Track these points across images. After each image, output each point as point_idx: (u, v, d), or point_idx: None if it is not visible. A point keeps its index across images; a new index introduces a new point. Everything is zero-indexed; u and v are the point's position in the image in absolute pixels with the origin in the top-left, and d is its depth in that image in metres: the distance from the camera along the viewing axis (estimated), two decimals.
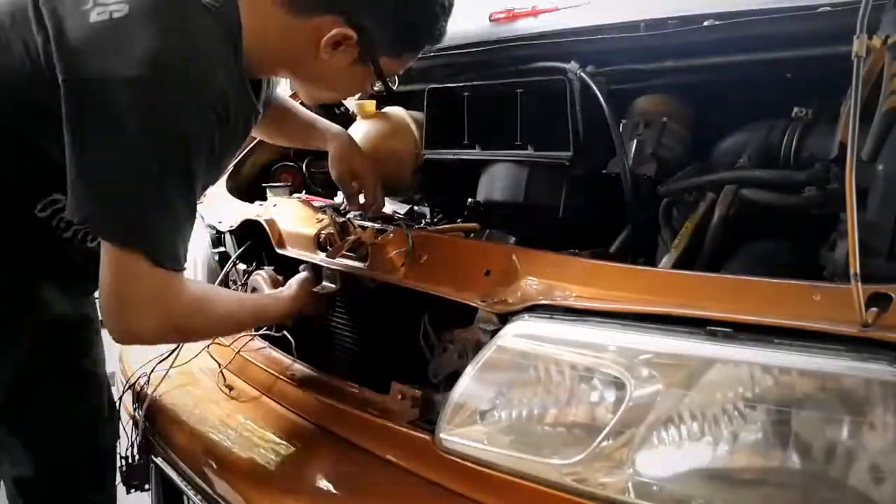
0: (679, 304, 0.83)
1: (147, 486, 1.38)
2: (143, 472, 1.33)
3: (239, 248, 1.58)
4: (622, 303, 0.88)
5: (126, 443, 1.38)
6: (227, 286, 1.62)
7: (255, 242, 1.52)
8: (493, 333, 0.96)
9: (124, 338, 1.03)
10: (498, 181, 1.36)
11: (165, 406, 1.34)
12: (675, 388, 0.80)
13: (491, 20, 1.54)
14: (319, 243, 1.31)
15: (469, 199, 1.44)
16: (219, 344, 1.43)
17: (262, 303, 1.34)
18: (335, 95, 1.37)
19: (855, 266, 0.68)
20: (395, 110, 1.53)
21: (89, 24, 0.95)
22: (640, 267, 0.99)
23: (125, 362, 1.67)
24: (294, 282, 1.35)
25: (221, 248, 1.63)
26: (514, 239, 1.29)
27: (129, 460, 1.34)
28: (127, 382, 1.46)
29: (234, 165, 1.87)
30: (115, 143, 0.93)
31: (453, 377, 0.99)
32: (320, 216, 1.36)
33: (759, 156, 1.06)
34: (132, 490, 1.37)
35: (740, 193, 1.05)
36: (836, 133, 0.88)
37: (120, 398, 1.44)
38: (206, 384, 1.37)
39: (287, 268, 1.44)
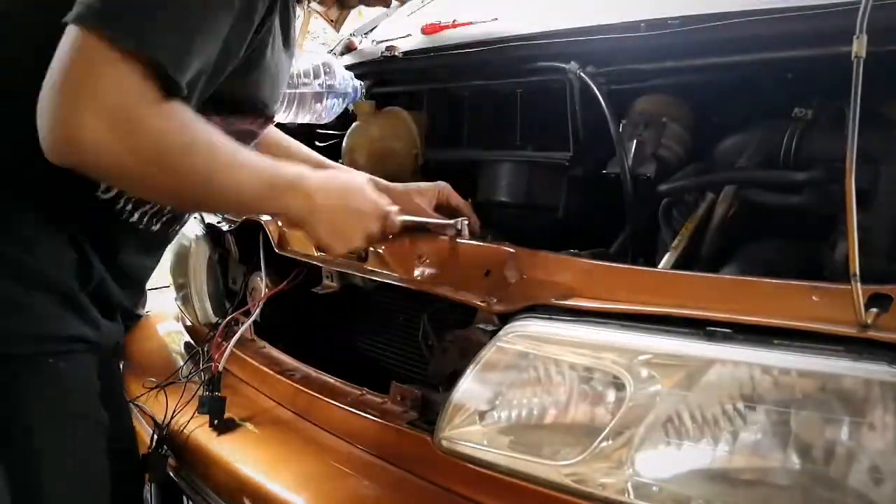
0: (679, 304, 0.83)
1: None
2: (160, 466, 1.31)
3: (238, 248, 1.58)
4: (622, 303, 0.88)
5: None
6: (227, 289, 1.62)
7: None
8: (493, 334, 0.96)
9: (60, 141, 0.74)
10: (498, 181, 1.36)
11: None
12: (674, 388, 0.80)
13: (422, 32, 1.56)
14: None
15: (469, 200, 1.44)
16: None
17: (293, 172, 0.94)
18: None
19: (854, 266, 0.68)
20: (395, 110, 1.53)
21: None
22: (639, 267, 0.99)
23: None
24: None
25: (221, 249, 1.63)
26: None
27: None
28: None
29: None
30: None
31: (453, 377, 0.99)
32: None
33: (759, 156, 1.06)
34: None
35: (740, 193, 1.05)
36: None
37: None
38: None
39: (286, 268, 1.44)
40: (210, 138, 0.83)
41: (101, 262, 0.94)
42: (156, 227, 0.97)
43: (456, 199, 1.25)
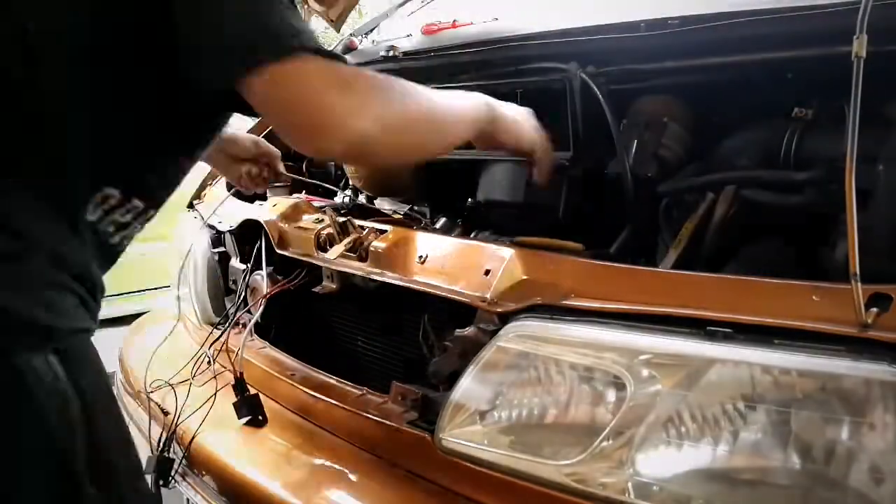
0: (679, 304, 0.83)
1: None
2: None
3: (238, 248, 1.58)
4: (622, 303, 0.88)
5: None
6: (227, 289, 1.62)
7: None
8: (493, 333, 0.96)
9: (352, 139, 0.85)
10: (498, 181, 1.36)
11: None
12: (675, 388, 0.80)
13: (422, 32, 1.56)
14: (319, 243, 1.32)
15: (469, 199, 1.44)
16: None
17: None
18: None
19: (855, 266, 0.68)
20: None
21: None
22: (640, 267, 0.99)
23: (125, 365, 1.67)
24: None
25: (221, 248, 1.63)
26: None
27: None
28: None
29: None
30: None
31: (453, 377, 0.99)
32: (320, 216, 1.37)
33: (759, 156, 1.06)
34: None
35: (740, 193, 1.05)
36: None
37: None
38: (208, 384, 1.37)
39: (286, 268, 1.44)
40: (397, 81, 0.92)
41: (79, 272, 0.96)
42: (124, 245, 1.02)
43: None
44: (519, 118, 1.10)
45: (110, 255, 1.01)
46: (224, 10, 0.84)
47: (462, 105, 1.01)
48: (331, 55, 0.85)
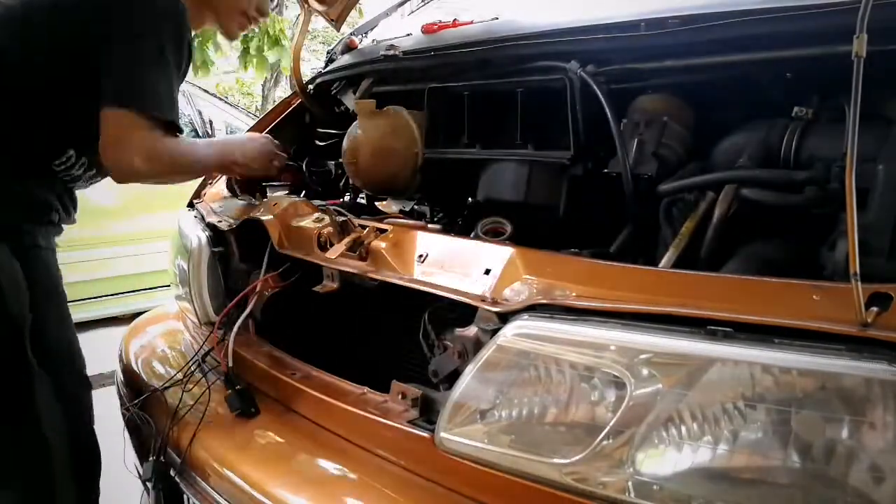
0: (679, 303, 0.83)
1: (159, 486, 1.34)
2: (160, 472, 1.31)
3: (239, 247, 1.58)
4: (622, 303, 0.88)
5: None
6: (228, 288, 1.62)
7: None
8: (493, 333, 0.96)
9: (124, 175, 1.36)
10: (498, 181, 1.36)
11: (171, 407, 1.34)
12: (675, 387, 0.80)
13: (422, 31, 1.57)
14: (319, 243, 1.32)
15: (469, 199, 1.44)
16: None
17: (230, 149, 1.61)
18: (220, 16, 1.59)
19: (855, 266, 0.68)
20: (395, 109, 1.53)
21: None
22: (640, 267, 0.99)
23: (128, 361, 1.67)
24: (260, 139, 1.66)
25: (221, 248, 1.63)
26: None
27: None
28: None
29: None
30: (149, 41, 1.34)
31: (453, 377, 0.99)
32: (320, 216, 1.37)
33: (759, 155, 1.06)
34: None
35: (740, 193, 1.05)
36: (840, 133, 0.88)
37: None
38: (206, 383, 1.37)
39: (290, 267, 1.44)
40: (190, 145, 1.50)
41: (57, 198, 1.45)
42: (79, 188, 1.52)
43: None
44: (247, 160, 1.61)
45: (70, 193, 1.48)
46: (127, 59, 1.33)
47: (210, 164, 1.60)
48: (173, 126, 1.37)
